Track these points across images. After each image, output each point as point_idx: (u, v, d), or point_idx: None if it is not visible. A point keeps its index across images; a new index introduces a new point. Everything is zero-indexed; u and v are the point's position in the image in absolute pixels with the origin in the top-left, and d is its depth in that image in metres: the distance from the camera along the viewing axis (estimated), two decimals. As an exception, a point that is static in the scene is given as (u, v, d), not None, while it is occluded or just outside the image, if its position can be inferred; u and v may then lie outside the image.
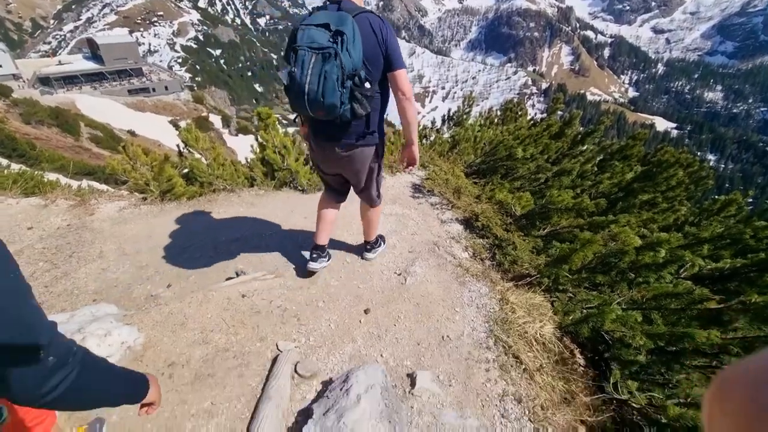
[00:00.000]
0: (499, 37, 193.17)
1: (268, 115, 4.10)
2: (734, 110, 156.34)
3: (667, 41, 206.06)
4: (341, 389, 1.66)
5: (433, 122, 6.37)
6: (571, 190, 3.49)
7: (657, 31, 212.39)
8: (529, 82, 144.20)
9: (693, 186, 5.03)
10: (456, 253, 3.15)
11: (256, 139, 4.95)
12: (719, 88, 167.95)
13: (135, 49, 54.47)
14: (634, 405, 2.37)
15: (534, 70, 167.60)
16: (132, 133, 36.35)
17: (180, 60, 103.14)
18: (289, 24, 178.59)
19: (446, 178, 3.96)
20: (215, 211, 3.95)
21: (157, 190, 4.25)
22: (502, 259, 3.37)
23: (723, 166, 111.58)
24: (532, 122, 5.75)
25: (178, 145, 4.89)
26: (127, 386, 0.94)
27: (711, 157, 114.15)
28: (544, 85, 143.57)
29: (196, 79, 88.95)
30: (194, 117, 45.04)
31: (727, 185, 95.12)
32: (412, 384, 1.86)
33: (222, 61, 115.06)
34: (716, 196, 5.01)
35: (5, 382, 0.65)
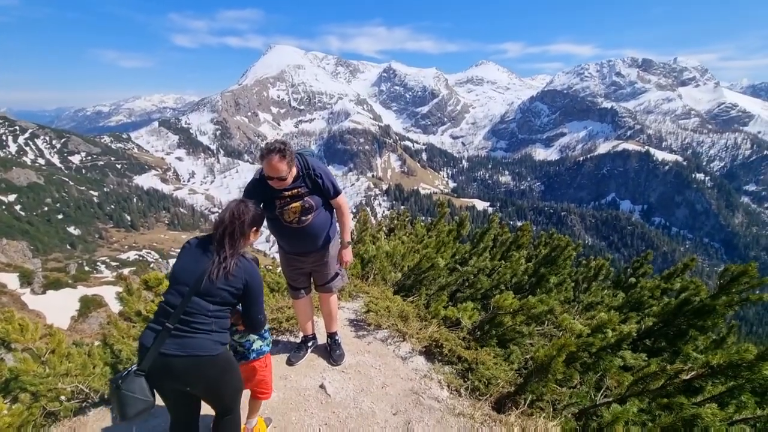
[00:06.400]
0: (336, 152, 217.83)
1: (158, 281, 3.14)
2: (521, 187, 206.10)
3: (462, 144, 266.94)
4: None
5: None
6: (510, 291, 3.55)
7: (454, 137, 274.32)
8: (372, 186, 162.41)
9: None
10: (438, 394, 2.71)
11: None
12: (507, 173, 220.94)
13: None
14: None
15: (373, 176, 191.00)
16: None
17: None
18: (112, 158, 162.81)
19: (386, 305, 3.61)
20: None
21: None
22: (478, 384, 3.06)
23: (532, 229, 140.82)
24: (426, 227, 6.07)
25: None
26: None
27: (520, 223, 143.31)
28: (384, 186, 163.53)
29: (-23, 235, 70.34)
30: (-23, 281, 34.41)
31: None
32: None
33: (18, 207, 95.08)
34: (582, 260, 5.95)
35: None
